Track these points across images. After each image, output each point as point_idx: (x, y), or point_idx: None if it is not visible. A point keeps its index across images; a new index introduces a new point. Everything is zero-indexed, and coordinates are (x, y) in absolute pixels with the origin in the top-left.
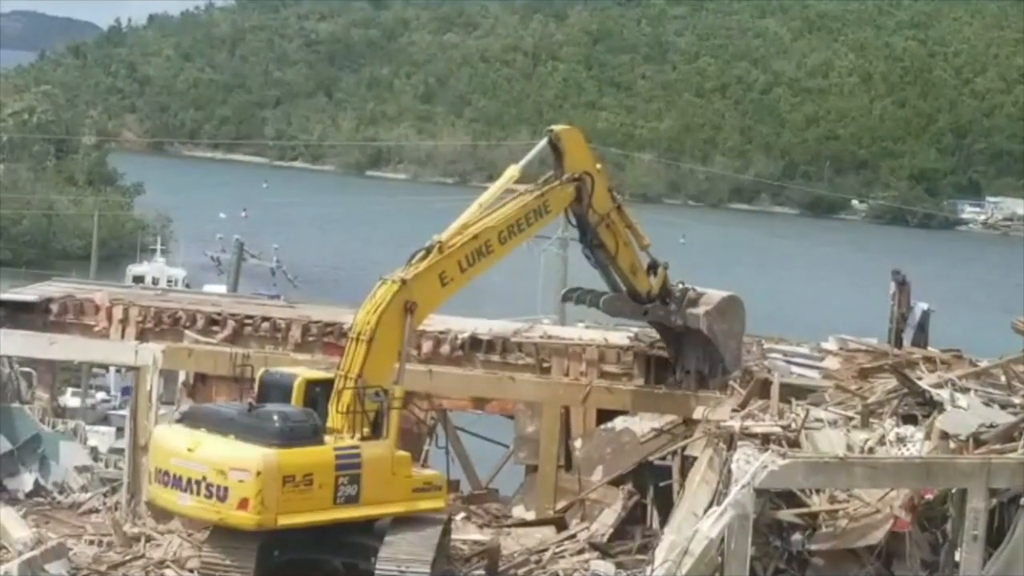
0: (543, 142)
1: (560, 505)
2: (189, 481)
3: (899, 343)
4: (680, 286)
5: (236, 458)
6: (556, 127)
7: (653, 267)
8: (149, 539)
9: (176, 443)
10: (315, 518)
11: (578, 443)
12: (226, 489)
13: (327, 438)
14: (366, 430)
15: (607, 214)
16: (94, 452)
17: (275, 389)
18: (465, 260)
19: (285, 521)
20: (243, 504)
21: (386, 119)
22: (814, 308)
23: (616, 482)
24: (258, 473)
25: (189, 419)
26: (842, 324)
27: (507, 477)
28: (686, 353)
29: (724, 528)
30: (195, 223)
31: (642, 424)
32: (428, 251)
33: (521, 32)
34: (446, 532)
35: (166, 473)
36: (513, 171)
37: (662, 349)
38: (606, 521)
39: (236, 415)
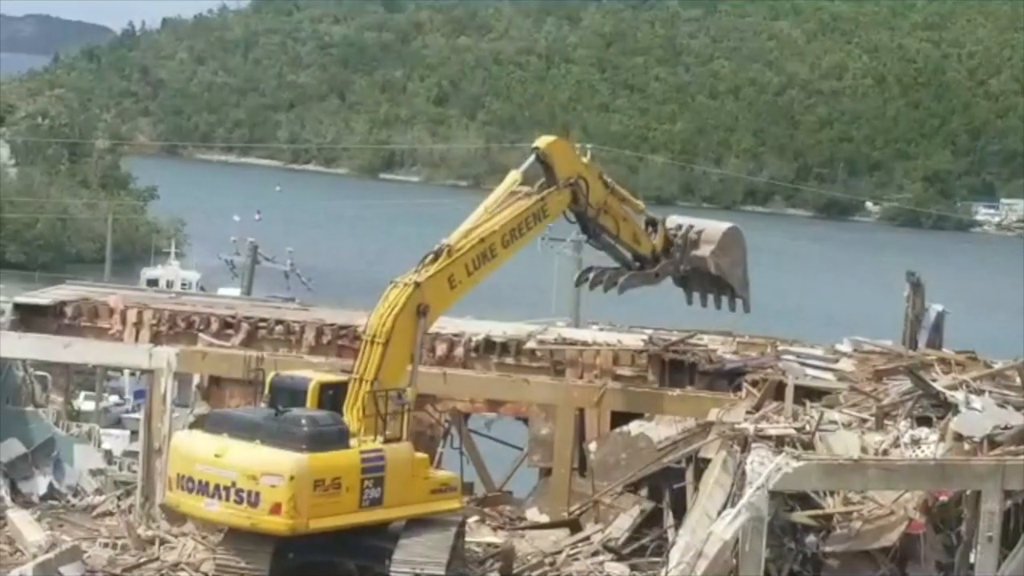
0: (531, 158)
1: (574, 508)
2: (217, 487)
3: (914, 345)
4: (679, 230)
5: (268, 463)
6: (540, 142)
7: (652, 224)
8: (163, 542)
9: (200, 449)
10: (343, 521)
11: (593, 446)
12: (258, 494)
13: (352, 441)
14: (388, 432)
15: (604, 202)
16: (108, 455)
17: (285, 393)
18: (472, 264)
19: (316, 525)
20: (276, 509)
21: (399, 122)
22: (828, 310)
23: (631, 487)
24: (291, 478)
25: (208, 424)
26: (856, 326)
27: (521, 479)
28: (694, 289)
29: (738, 530)
30: (209, 226)
31: (658, 429)
32: (437, 255)
33: (534, 35)
34: (460, 534)
35: (190, 479)
36: (515, 175)
37: (676, 352)
38: (622, 526)
39: (261, 420)
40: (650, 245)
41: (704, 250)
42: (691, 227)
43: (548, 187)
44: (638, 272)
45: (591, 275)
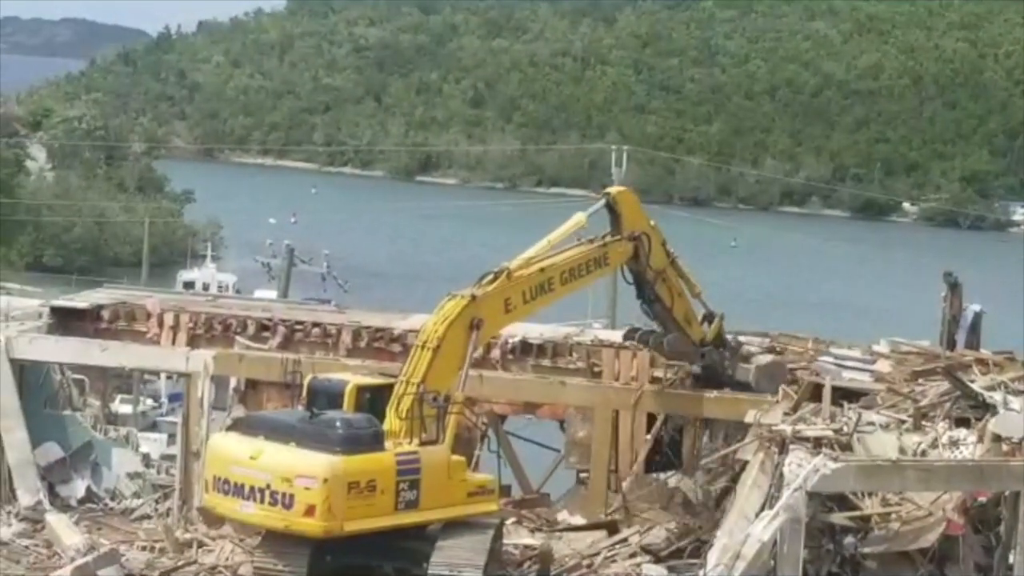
0: (601, 202)
1: (611, 510)
2: (252, 489)
3: (951, 345)
4: (736, 339)
5: (302, 465)
6: (611, 189)
7: (709, 317)
8: (201, 545)
9: (236, 451)
10: (378, 524)
11: (625, 485)
12: (292, 496)
13: (387, 443)
14: (425, 435)
15: (663, 269)
16: (146, 458)
17: (323, 395)
18: (529, 292)
19: (351, 528)
20: (310, 511)
21: (435, 124)
22: (865, 311)
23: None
24: (325, 480)
25: (244, 427)
26: (894, 327)
27: (558, 482)
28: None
29: (776, 531)
30: (245, 229)
31: (696, 489)
32: (496, 275)
33: (570, 36)
34: (498, 536)
35: (226, 481)
36: (580, 217)
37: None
38: (660, 534)
39: (296, 422)
40: (701, 333)
41: (752, 366)
42: (747, 345)
43: (613, 236)
44: (687, 341)
45: (637, 335)
